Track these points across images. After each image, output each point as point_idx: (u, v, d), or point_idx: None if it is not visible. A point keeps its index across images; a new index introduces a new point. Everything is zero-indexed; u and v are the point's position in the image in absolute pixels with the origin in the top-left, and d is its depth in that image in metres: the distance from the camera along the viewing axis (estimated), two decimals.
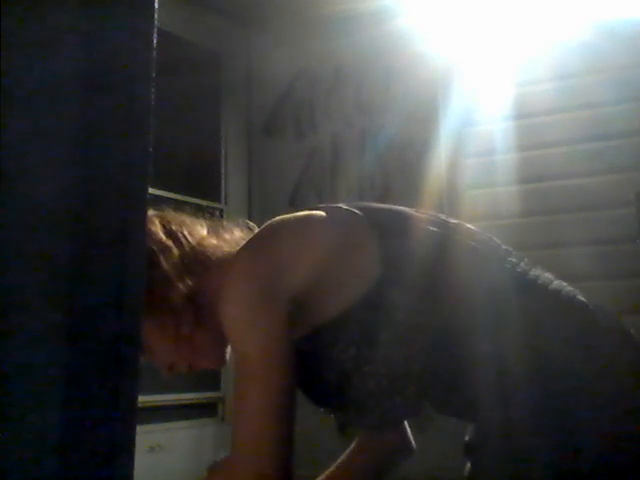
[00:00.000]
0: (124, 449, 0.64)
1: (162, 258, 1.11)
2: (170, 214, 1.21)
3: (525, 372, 1.00)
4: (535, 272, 1.09)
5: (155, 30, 0.69)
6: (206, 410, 3.00)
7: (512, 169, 2.70)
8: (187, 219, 1.21)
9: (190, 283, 1.12)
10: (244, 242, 1.14)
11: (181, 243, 1.15)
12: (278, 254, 1.07)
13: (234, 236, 1.21)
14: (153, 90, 0.69)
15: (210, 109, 3.28)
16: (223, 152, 3.27)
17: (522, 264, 1.10)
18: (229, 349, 1.20)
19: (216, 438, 2.91)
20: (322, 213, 1.13)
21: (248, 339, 1.03)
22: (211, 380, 3.03)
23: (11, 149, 0.61)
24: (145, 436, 2.55)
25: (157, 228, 1.15)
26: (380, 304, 1.05)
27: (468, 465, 1.11)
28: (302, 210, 1.15)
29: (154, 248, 1.11)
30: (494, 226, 2.56)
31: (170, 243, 1.14)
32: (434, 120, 2.88)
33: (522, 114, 2.75)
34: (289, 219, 1.13)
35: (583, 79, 2.68)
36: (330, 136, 3.14)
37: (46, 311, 0.61)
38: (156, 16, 0.70)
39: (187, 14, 3.05)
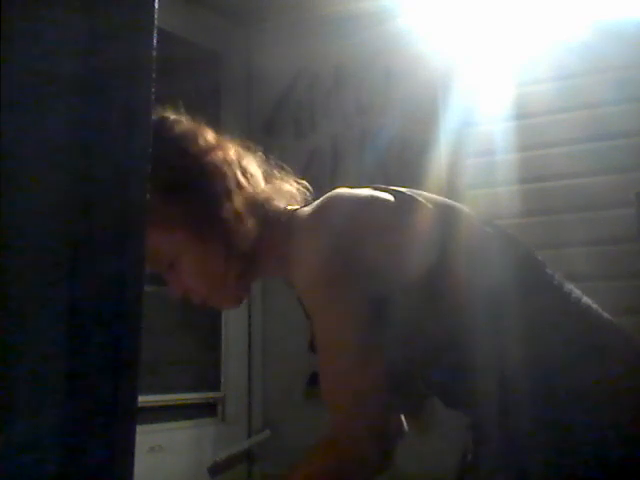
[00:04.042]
0: (124, 449, 0.63)
1: (235, 194, 1.11)
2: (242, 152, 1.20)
3: (526, 373, 1.00)
4: (565, 284, 1.10)
5: (155, 30, 0.69)
6: (206, 410, 3.00)
7: (512, 169, 2.70)
8: (254, 162, 1.20)
9: (255, 227, 1.12)
10: (297, 200, 1.17)
11: (249, 186, 1.15)
12: (347, 233, 1.06)
13: (288, 189, 1.20)
14: (153, 90, 0.69)
15: (210, 109, 3.28)
16: None
17: (556, 276, 1.10)
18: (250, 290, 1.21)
19: (216, 438, 2.91)
20: (389, 197, 1.11)
21: (335, 312, 1.04)
22: (211, 380, 3.03)
23: (8, 149, 0.61)
24: (145, 436, 2.55)
25: (235, 167, 1.14)
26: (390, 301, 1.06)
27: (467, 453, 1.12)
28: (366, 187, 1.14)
29: (229, 185, 1.11)
30: None
31: (245, 182, 1.14)
32: (434, 120, 2.87)
33: (522, 114, 2.75)
34: (356, 197, 1.11)
35: (583, 79, 2.68)
36: (330, 136, 3.14)
37: (45, 312, 0.61)
38: (156, 16, 0.70)
39: (187, 14, 3.05)
